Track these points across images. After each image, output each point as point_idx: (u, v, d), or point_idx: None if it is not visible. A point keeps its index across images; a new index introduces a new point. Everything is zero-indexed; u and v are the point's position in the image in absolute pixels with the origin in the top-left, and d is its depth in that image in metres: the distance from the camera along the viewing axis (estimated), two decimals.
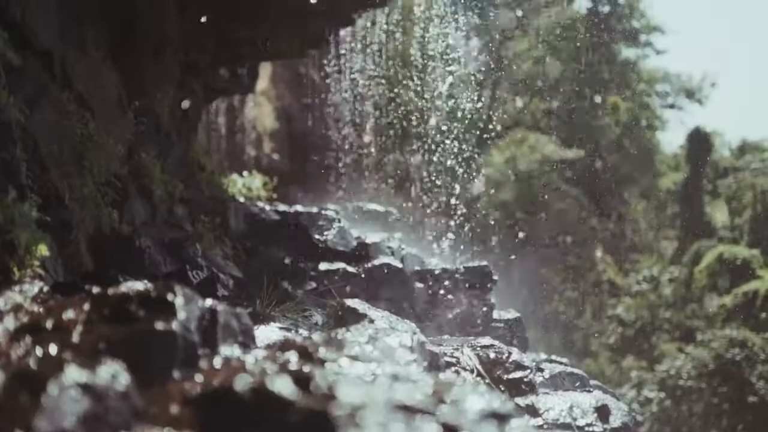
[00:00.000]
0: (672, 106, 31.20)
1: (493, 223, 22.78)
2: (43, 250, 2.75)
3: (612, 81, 27.49)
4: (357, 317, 3.20)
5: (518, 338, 6.71)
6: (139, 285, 2.39)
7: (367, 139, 17.69)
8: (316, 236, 6.83)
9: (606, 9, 27.19)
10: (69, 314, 2.24)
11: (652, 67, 29.97)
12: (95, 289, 2.47)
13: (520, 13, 24.89)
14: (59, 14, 5.59)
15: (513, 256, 22.09)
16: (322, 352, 2.39)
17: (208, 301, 2.44)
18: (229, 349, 2.38)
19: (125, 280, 3.07)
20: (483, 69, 24.67)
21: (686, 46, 74.71)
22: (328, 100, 15.84)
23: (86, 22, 5.97)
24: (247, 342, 2.58)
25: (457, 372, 3.52)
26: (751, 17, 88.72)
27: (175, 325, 2.08)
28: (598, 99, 26.83)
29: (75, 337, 2.07)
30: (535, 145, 24.37)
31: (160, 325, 2.07)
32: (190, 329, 2.18)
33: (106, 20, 6.28)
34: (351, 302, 3.42)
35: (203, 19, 7.24)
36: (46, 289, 2.64)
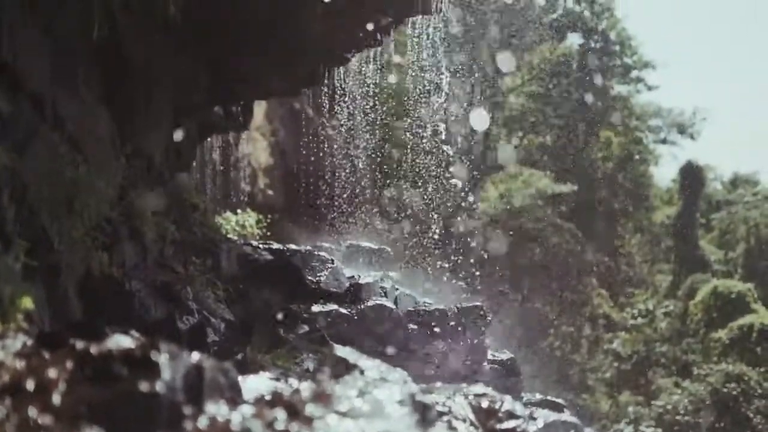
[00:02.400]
0: (664, 141, 31.46)
1: (488, 258, 22.74)
2: (27, 303, 2.70)
3: (605, 116, 27.73)
4: (347, 367, 3.15)
5: (513, 380, 6.65)
6: (125, 340, 2.35)
7: (361, 174, 17.73)
8: (309, 277, 6.80)
9: (598, 46, 27.52)
10: (51, 373, 2.19)
11: (644, 102, 30.28)
12: (79, 344, 2.42)
13: (512, 49, 25.17)
14: (52, 56, 5.59)
15: (508, 291, 22.03)
16: (310, 408, 2.34)
17: (195, 356, 2.40)
18: (215, 407, 2.33)
19: (113, 330, 3.02)
20: (477, 104, 24.87)
21: (678, 81, 75.60)
22: (322, 135, 15.90)
23: (79, 63, 5.98)
24: (235, 397, 2.53)
25: (449, 423, 3.47)
26: (743, 52, 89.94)
27: (158, 386, 2.04)
28: (590, 134, 27.06)
29: (56, 399, 2.02)
30: (529, 180, 24.46)
31: (143, 386, 2.03)
32: (175, 389, 2.13)
33: (99, 61, 6.29)
34: (341, 351, 3.36)
35: (198, 59, 7.28)
36: (29, 343, 2.59)
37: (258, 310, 5.99)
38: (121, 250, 5.10)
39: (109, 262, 4.89)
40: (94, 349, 2.26)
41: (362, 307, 6.58)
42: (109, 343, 2.33)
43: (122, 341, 2.35)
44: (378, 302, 6.74)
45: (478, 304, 7.31)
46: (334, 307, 6.45)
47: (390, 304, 6.85)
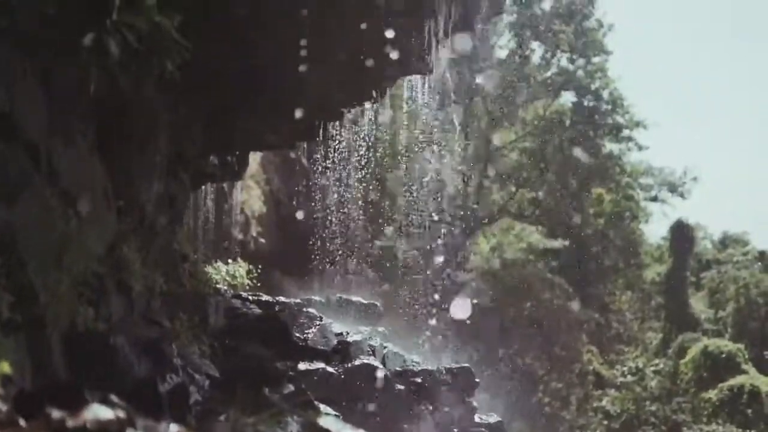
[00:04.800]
0: (655, 199, 31.64)
1: (478, 311, 22.64)
2: (5, 367, 2.65)
3: (596, 174, 27.95)
4: None
5: None
6: (103, 411, 2.30)
7: (354, 224, 17.74)
8: (297, 334, 6.73)
9: (591, 104, 27.91)
10: None
11: (635, 160, 30.58)
12: (55, 414, 2.37)
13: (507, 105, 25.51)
14: (48, 105, 5.61)
15: (498, 347, 21.89)
16: None
17: (173, 429, 2.35)
18: None
19: (93, 394, 2.96)
20: (470, 158, 25.08)
21: (671, 139, 76.59)
22: (316, 185, 15.94)
23: (76, 114, 6.00)
24: None
25: None
26: (737, 112, 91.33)
27: None
28: (582, 191, 27.24)
29: None
30: (520, 234, 24.52)
31: None
32: None
33: (95, 111, 6.31)
34: (325, 420, 3.29)
35: (194, 113, 7.33)
36: (5, 409, 2.53)
37: (244, 366, 5.91)
38: (107, 304, 5.04)
39: (95, 316, 4.83)
40: (69, 422, 2.22)
41: (350, 366, 6.50)
42: (87, 413, 2.29)
43: (100, 412, 2.30)
44: (365, 362, 6.67)
45: (466, 365, 7.24)
46: (321, 365, 6.37)
47: (378, 364, 6.77)
